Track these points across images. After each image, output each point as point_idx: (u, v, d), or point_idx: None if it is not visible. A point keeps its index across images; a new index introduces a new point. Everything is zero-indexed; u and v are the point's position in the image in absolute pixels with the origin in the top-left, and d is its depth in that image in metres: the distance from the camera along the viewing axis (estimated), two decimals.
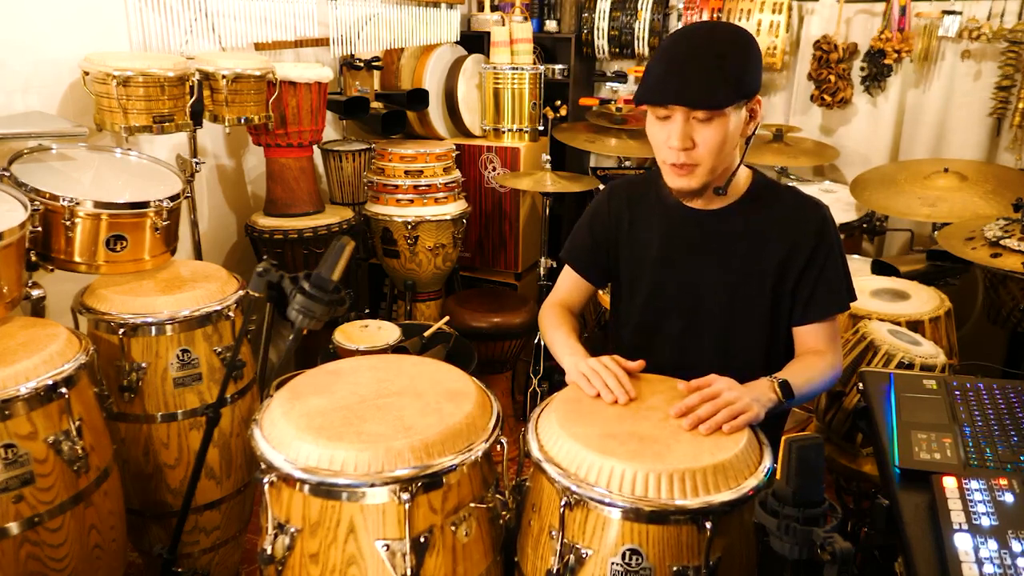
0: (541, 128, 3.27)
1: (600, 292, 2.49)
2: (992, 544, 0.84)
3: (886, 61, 3.02)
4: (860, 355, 1.65)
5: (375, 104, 2.93)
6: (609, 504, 1.10)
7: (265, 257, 2.54)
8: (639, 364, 1.39)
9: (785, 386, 1.31)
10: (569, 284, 1.65)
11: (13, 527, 1.36)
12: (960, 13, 2.88)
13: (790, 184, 1.62)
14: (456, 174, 2.93)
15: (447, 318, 2.33)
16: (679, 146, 1.32)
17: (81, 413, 1.47)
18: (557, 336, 1.52)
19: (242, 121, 2.23)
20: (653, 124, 1.37)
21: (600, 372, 1.34)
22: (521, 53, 3.20)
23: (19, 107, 1.97)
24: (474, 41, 3.46)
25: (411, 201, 2.82)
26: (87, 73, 1.93)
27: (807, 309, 1.43)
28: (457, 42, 3.40)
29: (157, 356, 1.73)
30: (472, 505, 1.22)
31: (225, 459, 1.86)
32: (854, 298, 1.46)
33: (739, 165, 1.43)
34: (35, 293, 1.68)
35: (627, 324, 1.58)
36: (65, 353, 1.46)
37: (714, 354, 1.47)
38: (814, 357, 1.42)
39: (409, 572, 1.14)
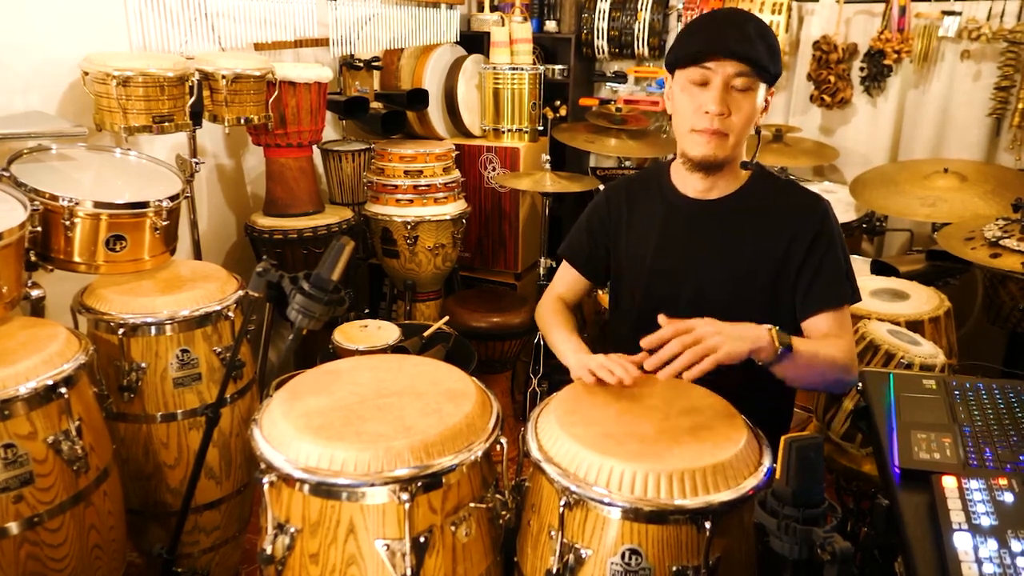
0: (541, 128, 3.27)
1: (600, 292, 2.49)
2: (992, 544, 0.84)
3: (886, 61, 3.02)
4: (860, 355, 1.64)
5: (375, 104, 2.93)
6: (608, 504, 1.10)
7: (265, 257, 2.54)
8: (643, 357, 1.38)
9: (783, 333, 1.26)
10: (567, 280, 1.66)
11: (13, 527, 1.36)
12: (960, 13, 2.88)
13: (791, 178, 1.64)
14: (456, 174, 2.93)
15: (447, 318, 2.33)
16: (716, 110, 1.34)
17: (81, 413, 1.47)
18: (558, 335, 1.53)
19: (242, 121, 2.23)
20: (685, 91, 1.38)
21: (606, 364, 1.34)
22: (521, 53, 3.20)
23: (19, 107, 1.97)
24: (474, 41, 3.46)
25: (411, 201, 2.81)
26: (87, 73, 1.93)
27: (806, 299, 1.41)
28: (457, 42, 3.40)
29: (157, 356, 1.73)
30: (472, 505, 1.22)
31: (225, 459, 1.86)
32: (858, 298, 1.43)
33: (757, 151, 1.47)
34: (35, 293, 1.68)
35: (627, 319, 1.58)
36: (65, 353, 1.46)
37: None
38: (828, 341, 1.39)
39: (409, 572, 1.14)
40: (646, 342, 1.23)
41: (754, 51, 1.32)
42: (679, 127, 1.42)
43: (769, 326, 1.28)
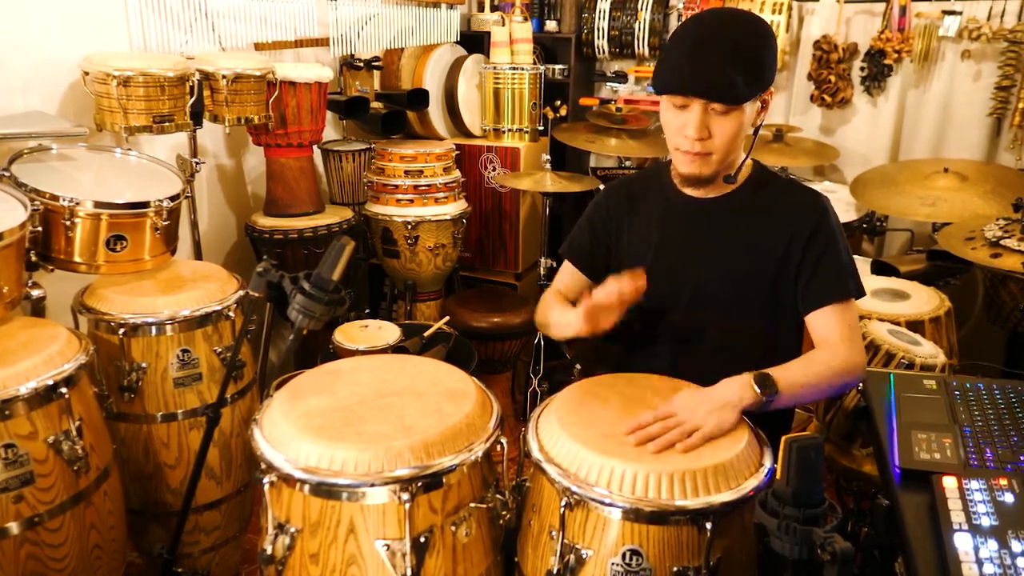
0: (541, 128, 3.27)
1: None
2: (992, 544, 0.84)
3: (886, 61, 3.02)
4: None
5: (375, 104, 2.93)
6: (609, 504, 1.10)
7: (265, 257, 2.54)
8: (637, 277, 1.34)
9: (764, 380, 1.26)
10: (568, 278, 1.65)
11: (13, 527, 1.36)
12: (960, 13, 2.88)
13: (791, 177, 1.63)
14: (456, 174, 2.93)
15: (447, 318, 2.33)
16: (695, 136, 1.34)
17: (81, 413, 1.47)
18: (555, 311, 1.48)
19: (242, 121, 2.23)
20: (668, 111, 1.38)
21: (597, 293, 1.30)
22: (521, 53, 3.20)
23: (19, 107, 1.97)
24: (474, 41, 3.46)
25: (411, 201, 2.81)
26: (87, 73, 1.93)
27: (806, 296, 1.41)
28: (457, 42, 3.40)
29: (157, 356, 1.73)
30: (472, 505, 1.22)
31: (225, 459, 1.86)
32: (861, 292, 1.41)
33: (749, 154, 1.45)
34: (35, 293, 1.68)
35: (626, 318, 1.58)
36: (65, 353, 1.46)
37: (715, 346, 1.47)
38: (822, 351, 1.37)
39: (409, 572, 1.14)
40: (628, 429, 1.21)
41: (726, 87, 1.28)
42: (668, 143, 1.43)
43: (748, 376, 1.27)
